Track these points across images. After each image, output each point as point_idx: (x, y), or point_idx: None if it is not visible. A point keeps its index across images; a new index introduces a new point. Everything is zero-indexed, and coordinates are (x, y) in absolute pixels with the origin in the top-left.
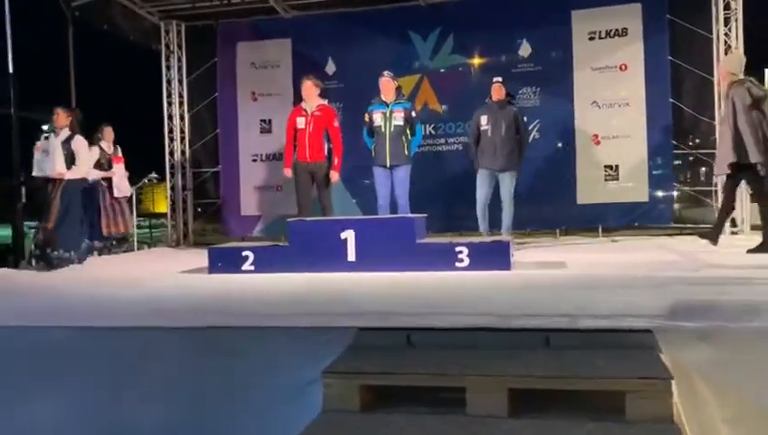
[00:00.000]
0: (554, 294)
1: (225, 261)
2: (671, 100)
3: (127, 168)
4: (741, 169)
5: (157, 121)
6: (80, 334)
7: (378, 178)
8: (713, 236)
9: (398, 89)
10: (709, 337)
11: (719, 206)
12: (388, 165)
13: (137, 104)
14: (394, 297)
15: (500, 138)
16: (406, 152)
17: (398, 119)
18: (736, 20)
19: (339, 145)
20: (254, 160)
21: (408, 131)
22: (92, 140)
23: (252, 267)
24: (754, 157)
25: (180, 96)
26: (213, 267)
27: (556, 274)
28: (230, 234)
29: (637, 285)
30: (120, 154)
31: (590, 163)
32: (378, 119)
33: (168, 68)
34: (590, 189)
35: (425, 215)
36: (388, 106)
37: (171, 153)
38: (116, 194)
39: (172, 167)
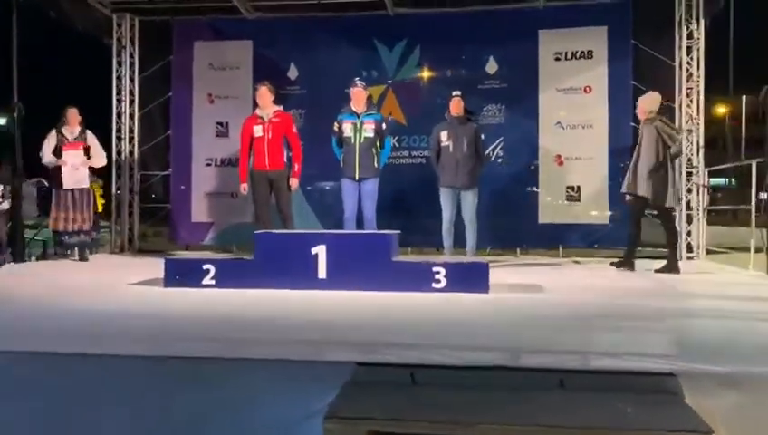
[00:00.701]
0: (553, 326)
1: (183, 274)
2: (632, 124)
3: None
4: (636, 198)
5: (104, 120)
6: (10, 361)
7: (345, 190)
8: (626, 264)
9: (369, 98)
10: (729, 382)
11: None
12: (356, 177)
13: (84, 100)
14: (382, 324)
15: (462, 154)
16: (375, 165)
17: (369, 131)
18: (698, 49)
19: (299, 151)
20: (208, 165)
21: (378, 144)
22: (57, 124)
23: (213, 282)
24: (642, 190)
25: (131, 94)
26: (169, 280)
27: (539, 299)
28: (179, 241)
29: (630, 316)
30: (81, 139)
31: (553, 183)
32: (347, 129)
33: (119, 64)
34: (552, 210)
35: (398, 232)
36: (358, 117)
37: (118, 153)
38: (66, 185)
39: (119, 168)
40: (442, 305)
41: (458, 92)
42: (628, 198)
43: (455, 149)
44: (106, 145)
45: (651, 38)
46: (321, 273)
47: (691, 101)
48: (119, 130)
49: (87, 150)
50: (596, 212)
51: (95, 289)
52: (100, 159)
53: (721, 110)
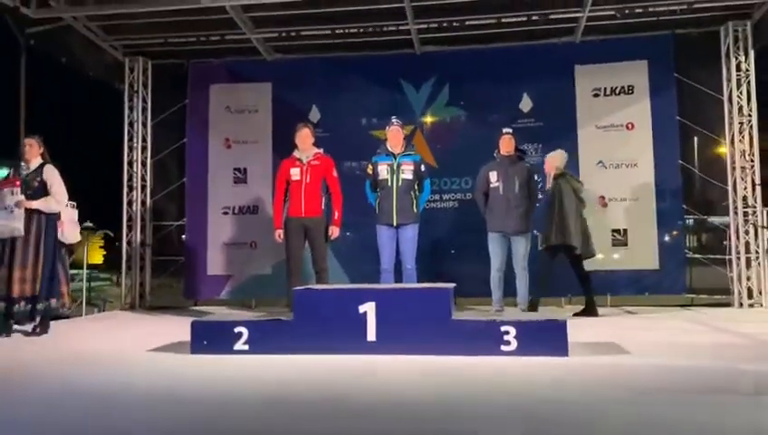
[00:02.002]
0: (701, 404)
1: (211, 338)
2: (680, 162)
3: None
4: (559, 248)
5: (115, 168)
6: None
7: (382, 238)
8: (533, 306)
9: (407, 138)
10: None
11: (733, 272)
12: (394, 223)
13: (94, 148)
14: (477, 407)
15: (513, 196)
16: (414, 209)
17: (407, 172)
18: (748, 82)
19: (339, 197)
20: (225, 213)
21: (417, 186)
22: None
23: (246, 347)
24: (574, 240)
25: (143, 140)
26: (196, 346)
27: (636, 364)
28: (192, 295)
29: (762, 389)
30: (35, 175)
31: (597, 227)
32: (383, 171)
33: (131, 109)
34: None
35: (453, 284)
36: (395, 158)
37: (129, 203)
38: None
39: (129, 219)
40: (522, 375)
41: (509, 130)
42: (546, 246)
43: (505, 190)
44: (116, 195)
45: (696, 71)
46: (371, 335)
47: (743, 136)
48: (130, 179)
49: (43, 188)
50: (645, 256)
51: (106, 359)
52: (53, 203)
53: None
